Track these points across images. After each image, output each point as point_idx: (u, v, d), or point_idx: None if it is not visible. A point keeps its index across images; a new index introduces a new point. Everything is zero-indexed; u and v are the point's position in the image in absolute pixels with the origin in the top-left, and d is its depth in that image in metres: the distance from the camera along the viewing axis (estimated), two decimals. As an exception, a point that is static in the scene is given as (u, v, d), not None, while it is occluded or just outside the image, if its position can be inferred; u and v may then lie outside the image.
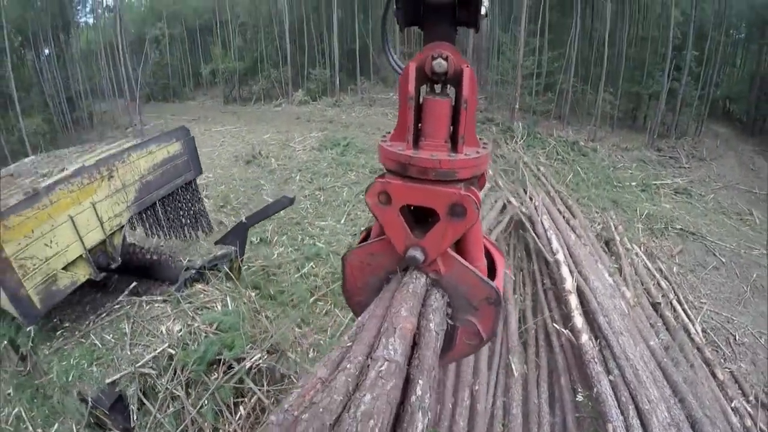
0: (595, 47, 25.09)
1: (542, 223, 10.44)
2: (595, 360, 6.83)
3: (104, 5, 36.51)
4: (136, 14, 46.41)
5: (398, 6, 1.76)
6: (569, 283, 8.26)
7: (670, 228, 13.81)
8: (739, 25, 28.03)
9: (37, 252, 6.40)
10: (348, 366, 1.25)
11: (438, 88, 1.81)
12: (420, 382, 1.34)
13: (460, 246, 1.93)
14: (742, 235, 14.31)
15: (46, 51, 30.03)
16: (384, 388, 1.15)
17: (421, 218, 1.92)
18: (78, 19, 35.43)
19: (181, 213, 9.92)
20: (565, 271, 8.59)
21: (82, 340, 7.87)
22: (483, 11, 1.66)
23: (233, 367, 6.44)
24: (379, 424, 1.02)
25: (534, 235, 10.06)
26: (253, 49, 39.65)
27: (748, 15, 26.42)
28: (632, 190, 16.64)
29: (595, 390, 6.49)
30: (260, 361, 6.49)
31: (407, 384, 1.34)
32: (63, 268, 6.86)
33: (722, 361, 8.91)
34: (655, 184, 17.53)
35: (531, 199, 11.76)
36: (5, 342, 7.72)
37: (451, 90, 1.80)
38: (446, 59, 1.66)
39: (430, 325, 1.69)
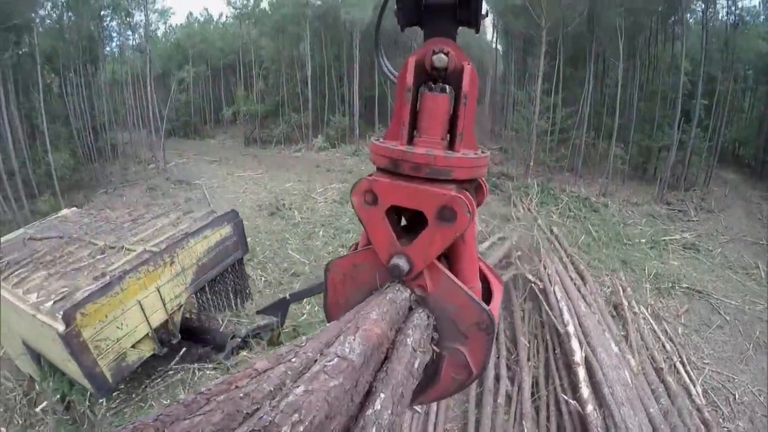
0: (607, 102, 26.28)
1: (555, 293, 11.41)
2: (599, 429, 7.82)
3: (132, 42, 37.81)
4: (162, 49, 47.74)
5: (398, 5, 1.75)
6: (578, 356, 9.25)
7: (677, 287, 14.54)
8: (746, 70, 29.20)
9: (109, 334, 7.71)
10: (293, 359, 1.12)
11: (437, 88, 1.73)
12: (382, 395, 1.23)
13: (451, 264, 1.82)
14: (747, 290, 14.98)
15: (73, 81, 30.65)
16: (325, 384, 1.03)
17: (414, 229, 1.79)
18: (105, 53, 36.59)
19: (229, 287, 11.22)
20: (575, 343, 9.57)
21: (141, 403, 9.10)
22: (483, 11, 1.68)
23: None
24: (306, 422, 0.90)
25: (547, 306, 11.12)
26: (274, 92, 40.91)
27: (755, 61, 27.68)
28: (641, 247, 17.42)
29: None
30: None
31: (368, 397, 1.24)
32: (131, 346, 8.18)
33: (721, 420, 9.69)
34: (664, 240, 18.27)
35: (545, 267, 12.84)
36: (57, 396, 8.72)
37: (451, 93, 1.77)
38: (447, 54, 1.64)
39: (408, 340, 1.55)
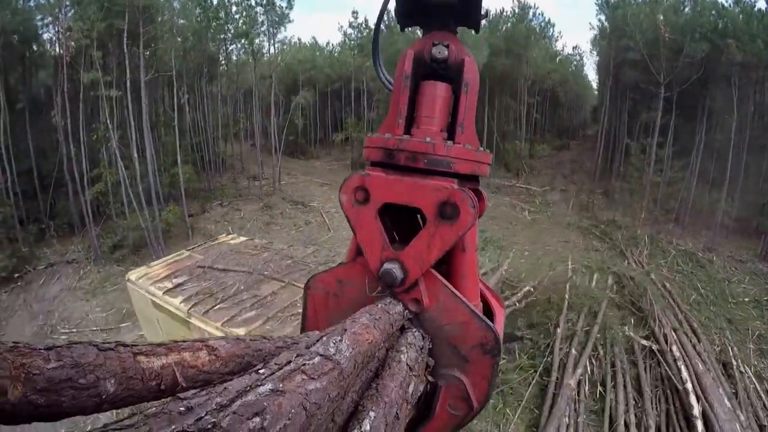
0: (716, 156, 26.78)
1: (672, 352, 12.96)
2: None
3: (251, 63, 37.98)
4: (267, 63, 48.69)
5: (398, 4, 1.67)
6: (696, 410, 10.82)
7: (779, 348, 15.14)
8: None
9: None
10: (262, 371, 0.86)
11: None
12: (371, 414, 1.06)
13: (450, 278, 1.65)
14: None
15: (190, 99, 31.73)
16: (303, 386, 0.82)
17: (407, 237, 1.61)
18: (222, 70, 37.51)
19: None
20: (692, 398, 11.15)
21: None
22: (483, 11, 1.60)
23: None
24: (272, 429, 0.69)
25: (666, 365, 12.65)
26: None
27: None
28: (745, 307, 18.08)
29: None
30: None
31: (353, 417, 1.08)
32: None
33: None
34: (767, 299, 18.76)
35: (660, 327, 14.40)
36: None
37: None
38: (447, 47, 1.58)
39: (401, 356, 1.37)
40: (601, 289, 17.18)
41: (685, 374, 12.08)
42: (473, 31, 1.74)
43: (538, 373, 12.21)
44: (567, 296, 15.97)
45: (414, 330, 1.58)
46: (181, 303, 9.10)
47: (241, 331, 8.06)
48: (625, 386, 12.06)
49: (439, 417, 1.64)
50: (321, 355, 0.96)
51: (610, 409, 11.39)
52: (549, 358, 12.75)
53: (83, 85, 21.83)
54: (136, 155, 22.71)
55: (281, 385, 0.79)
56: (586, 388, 12.02)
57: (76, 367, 0.74)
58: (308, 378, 0.86)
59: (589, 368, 12.68)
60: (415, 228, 1.61)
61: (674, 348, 13.20)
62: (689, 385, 11.67)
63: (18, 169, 22.90)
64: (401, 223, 1.74)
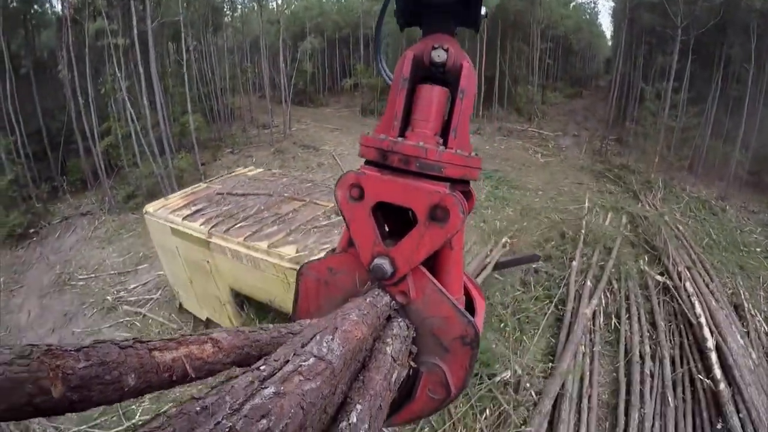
0: (732, 106, 26.35)
1: (685, 288, 13.01)
2: (729, 403, 9.45)
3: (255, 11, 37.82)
4: (275, 16, 47.86)
5: (397, 5, 1.70)
6: (710, 343, 10.82)
7: (789, 297, 15.23)
8: None
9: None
10: (263, 368, 0.96)
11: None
12: (358, 407, 1.14)
13: (436, 273, 1.72)
14: None
15: (198, 48, 31.21)
16: (300, 387, 0.91)
17: (399, 232, 1.70)
18: (227, 20, 37.22)
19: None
20: (706, 332, 11.16)
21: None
22: (483, 11, 1.63)
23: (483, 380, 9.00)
24: (276, 430, 0.78)
25: (679, 299, 12.72)
26: (392, 68, 40.63)
27: None
28: (757, 256, 17.95)
29: (728, 424, 9.13)
30: (507, 377, 9.40)
31: (342, 408, 1.15)
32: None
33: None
34: None
35: (674, 265, 14.47)
36: None
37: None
38: (446, 51, 1.60)
39: (387, 348, 1.46)
40: (615, 227, 17.13)
41: (698, 309, 12.11)
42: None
43: (553, 304, 12.21)
44: (583, 231, 15.92)
45: (400, 320, 1.67)
46: (201, 225, 9.08)
47: (263, 245, 8.12)
48: (639, 319, 12.09)
49: (419, 399, 1.77)
50: (315, 356, 1.06)
51: (625, 339, 11.41)
52: (564, 290, 12.75)
53: (88, 37, 21.51)
54: (146, 102, 22.41)
55: (282, 387, 0.89)
56: (601, 319, 12.04)
57: (102, 365, 0.84)
58: (304, 379, 0.95)
59: (603, 301, 12.69)
60: (405, 220, 1.73)
61: (687, 284, 13.23)
62: (703, 319, 11.71)
63: (27, 131, 22.84)
64: (393, 213, 1.78)
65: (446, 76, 1.68)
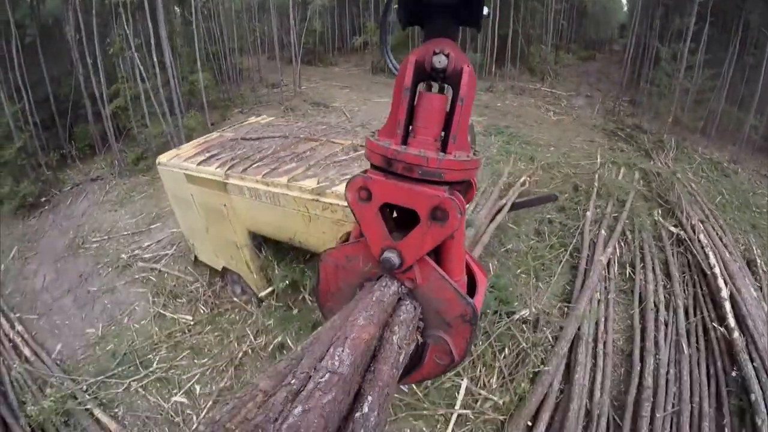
0: (749, 71, 25.97)
1: (699, 240, 13.00)
2: (744, 351, 9.50)
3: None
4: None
5: (399, 4, 1.76)
6: (724, 293, 10.86)
7: (801, 257, 15.55)
8: None
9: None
10: (292, 381, 1.16)
11: (435, 88, 1.82)
12: (369, 398, 1.29)
13: (439, 258, 1.92)
14: None
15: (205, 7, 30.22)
16: (319, 401, 1.08)
17: (405, 224, 1.90)
18: None
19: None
20: (720, 282, 11.18)
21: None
22: (485, 11, 1.68)
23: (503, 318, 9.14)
24: None
25: (693, 250, 12.70)
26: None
27: None
28: None
29: (742, 371, 9.15)
30: (526, 314, 9.53)
31: (357, 399, 1.30)
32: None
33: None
34: None
35: (688, 218, 14.41)
36: (287, 282, 9.54)
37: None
38: (447, 56, 1.66)
39: (394, 337, 1.63)
40: (629, 182, 17.04)
41: (713, 260, 12.13)
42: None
43: (568, 252, 12.15)
44: (596, 185, 15.88)
45: (408, 302, 1.88)
46: (217, 168, 8.90)
47: (283, 179, 7.95)
48: (653, 269, 12.08)
49: (427, 365, 2.01)
50: (329, 371, 1.20)
51: (639, 288, 11.43)
52: (579, 239, 12.71)
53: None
54: (156, 60, 21.73)
55: (307, 405, 1.05)
56: (615, 268, 12.04)
57: None
58: (323, 393, 1.11)
59: (618, 250, 12.68)
60: (410, 212, 1.79)
61: (702, 236, 13.23)
62: (717, 270, 11.74)
63: (35, 99, 22.29)
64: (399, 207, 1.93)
65: (447, 80, 1.77)
